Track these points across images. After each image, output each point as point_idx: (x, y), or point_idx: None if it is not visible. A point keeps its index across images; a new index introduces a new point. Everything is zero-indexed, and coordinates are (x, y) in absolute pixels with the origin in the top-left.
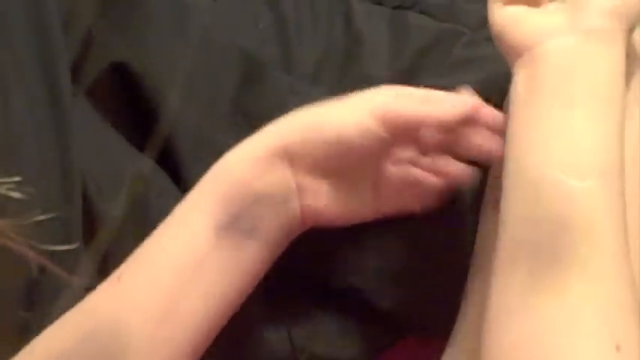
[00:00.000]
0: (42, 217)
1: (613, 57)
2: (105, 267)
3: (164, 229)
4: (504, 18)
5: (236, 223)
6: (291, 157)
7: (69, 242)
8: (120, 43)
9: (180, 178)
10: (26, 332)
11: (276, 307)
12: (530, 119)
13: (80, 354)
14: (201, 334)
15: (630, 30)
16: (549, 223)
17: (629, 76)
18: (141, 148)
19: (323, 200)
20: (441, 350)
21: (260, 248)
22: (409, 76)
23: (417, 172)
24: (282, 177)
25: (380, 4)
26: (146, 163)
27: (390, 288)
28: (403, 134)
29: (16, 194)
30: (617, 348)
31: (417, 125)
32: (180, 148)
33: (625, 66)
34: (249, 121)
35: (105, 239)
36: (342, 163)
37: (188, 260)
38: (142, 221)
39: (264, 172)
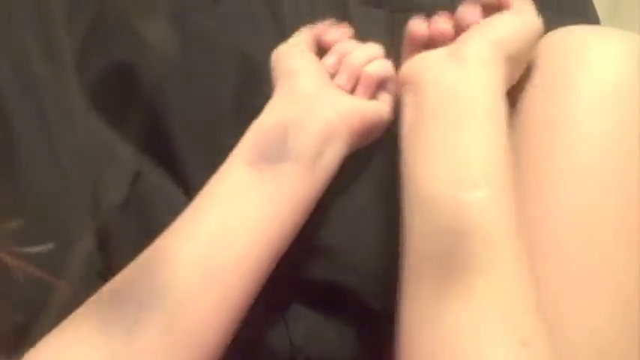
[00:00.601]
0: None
1: (490, 79)
2: (108, 266)
3: (209, 182)
4: (408, 65)
5: (271, 152)
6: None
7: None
8: (119, 41)
9: (181, 175)
10: (25, 337)
11: (275, 307)
12: (420, 142)
13: (126, 281)
14: (249, 266)
15: (510, 57)
16: (449, 235)
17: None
18: (140, 145)
19: (339, 105)
20: None
21: (299, 169)
22: None
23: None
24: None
25: (379, 7)
26: (146, 162)
27: (387, 290)
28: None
29: None
30: (523, 343)
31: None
32: (180, 144)
33: (505, 86)
34: (250, 119)
35: (108, 236)
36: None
37: (232, 194)
38: (143, 219)
39: (288, 109)
